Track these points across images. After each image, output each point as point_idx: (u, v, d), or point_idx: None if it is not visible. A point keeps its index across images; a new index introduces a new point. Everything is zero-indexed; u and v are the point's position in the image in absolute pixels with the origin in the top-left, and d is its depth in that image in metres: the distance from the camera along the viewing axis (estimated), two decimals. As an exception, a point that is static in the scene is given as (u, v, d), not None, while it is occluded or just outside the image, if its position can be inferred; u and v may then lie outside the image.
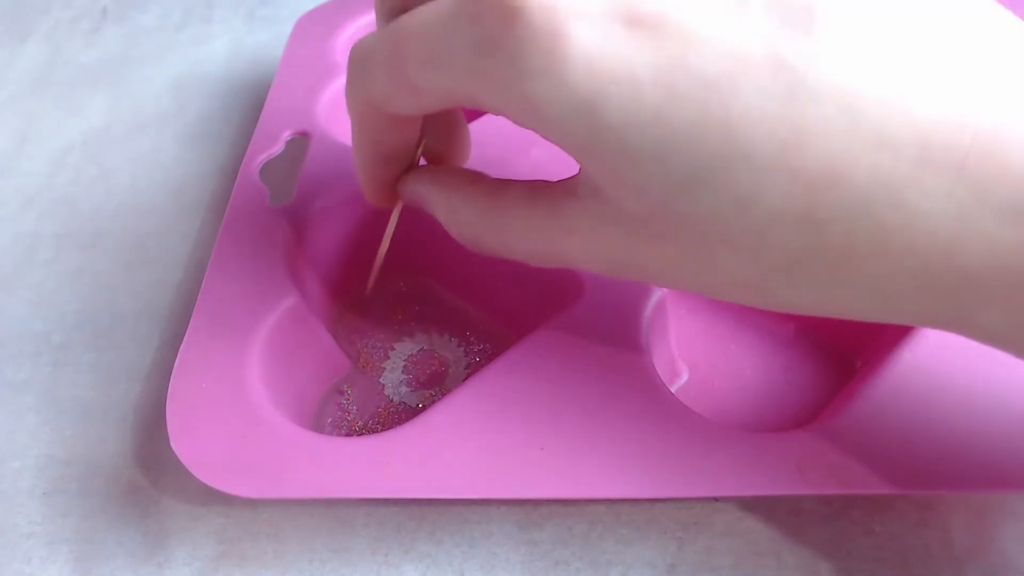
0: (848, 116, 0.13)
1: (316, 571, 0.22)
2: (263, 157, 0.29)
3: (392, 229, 0.24)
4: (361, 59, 0.18)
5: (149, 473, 0.24)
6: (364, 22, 0.35)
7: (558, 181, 0.18)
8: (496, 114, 0.16)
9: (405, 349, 0.27)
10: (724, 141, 0.13)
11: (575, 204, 0.17)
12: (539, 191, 0.18)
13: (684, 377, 0.26)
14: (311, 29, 0.35)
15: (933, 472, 0.19)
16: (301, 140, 0.29)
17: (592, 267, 0.17)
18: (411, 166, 0.22)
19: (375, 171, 0.21)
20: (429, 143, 0.22)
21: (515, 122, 0.15)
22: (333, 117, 0.31)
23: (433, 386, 0.26)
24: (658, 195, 0.14)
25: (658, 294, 0.24)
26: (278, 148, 0.29)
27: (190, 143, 0.36)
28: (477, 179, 0.20)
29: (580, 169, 0.17)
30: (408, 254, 0.29)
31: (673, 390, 0.24)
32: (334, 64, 0.33)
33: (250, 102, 0.38)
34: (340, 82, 0.32)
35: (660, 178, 0.14)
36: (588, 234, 0.16)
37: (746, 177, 0.13)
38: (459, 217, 0.19)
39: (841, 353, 0.26)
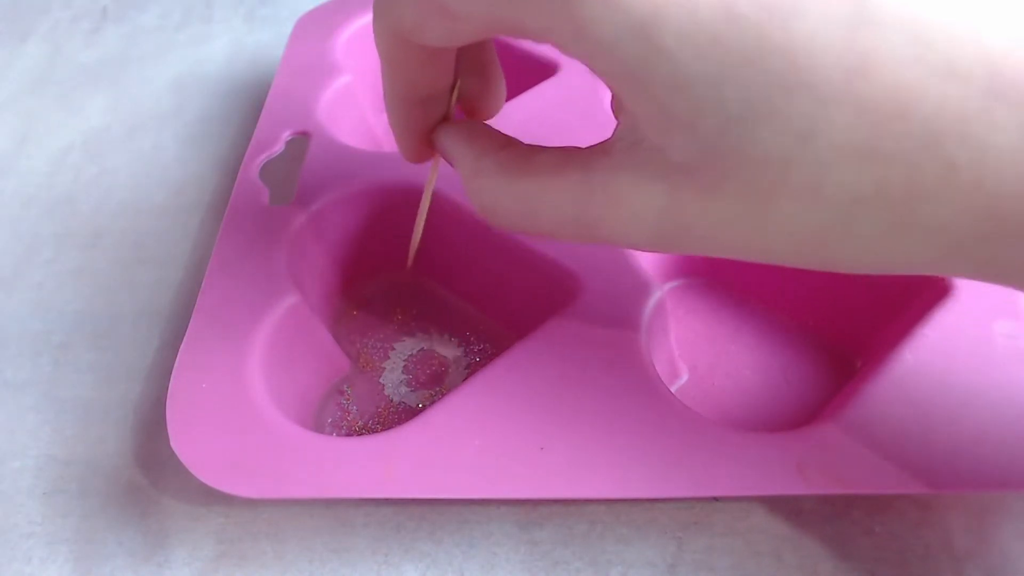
0: (916, 44, 0.12)
1: (316, 571, 0.22)
2: (263, 157, 0.29)
3: (431, 189, 0.22)
4: None
5: (149, 473, 0.24)
6: (364, 22, 0.35)
7: (593, 145, 0.16)
8: (540, 41, 0.15)
9: (405, 349, 0.27)
10: (786, 68, 0.12)
11: (611, 161, 0.15)
12: (573, 154, 0.17)
13: (684, 377, 0.26)
14: (311, 29, 0.35)
15: (933, 472, 0.19)
16: (301, 140, 0.29)
17: (628, 235, 0.16)
18: (446, 116, 0.20)
19: (408, 116, 0.20)
20: (463, 87, 0.20)
21: (560, 48, 0.14)
22: (333, 117, 0.31)
23: (433, 386, 0.26)
24: (711, 130, 0.13)
25: (658, 294, 0.24)
26: (278, 148, 0.29)
27: (190, 143, 0.36)
28: (509, 143, 0.18)
29: (617, 126, 0.16)
30: (409, 253, 0.29)
31: (673, 390, 0.24)
32: (334, 64, 0.33)
33: (250, 102, 0.38)
34: (340, 82, 0.32)
35: (715, 109, 0.13)
36: (625, 194, 0.15)
37: (808, 108, 0.13)
38: (485, 182, 0.18)
39: (841, 353, 0.26)
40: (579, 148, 0.17)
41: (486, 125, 0.20)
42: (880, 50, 0.12)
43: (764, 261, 0.15)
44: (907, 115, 0.12)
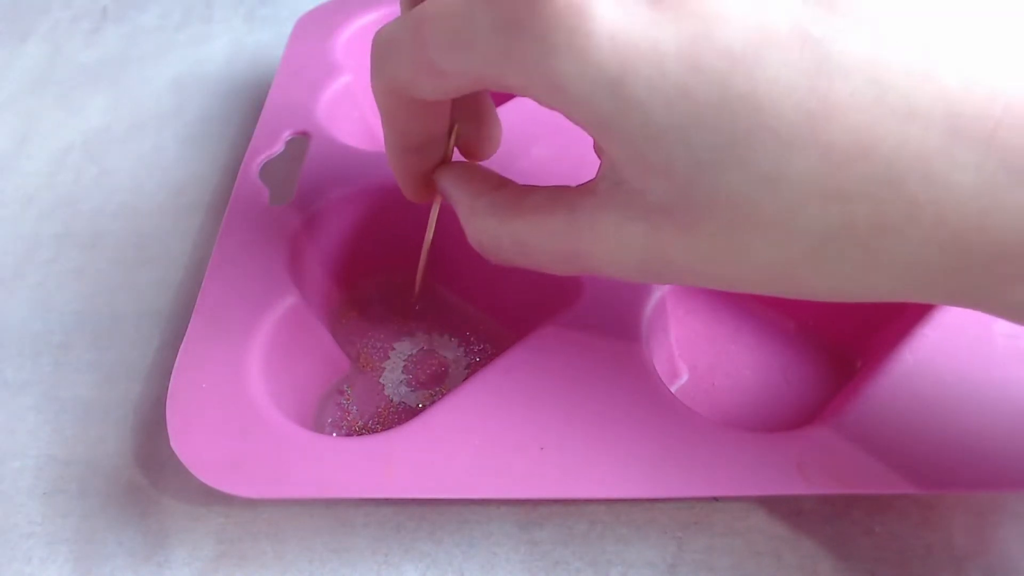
0: (876, 88, 0.13)
1: (316, 571, 0.22)
2: (263, 157, 0.29)
3: (433, 226, 0.23)
4: (384, 44, 0.18)
5: (149, 473, 0.24)
6: (364, 22, 0.35)
7: (580, 185, 0.17)
8: (521, 95, 0.16)
9: (405, 349, 0.27)
10: (751, 115, 0.13)
11: (596, 200, 0.16)
12: (561, 194, 0.18)
13: (684, 377, 0.26)
14: (311, 29, 0.35)
15: (933, 472, 0.19)
16: (301, 140, 0.29)
17: (614, 268, 0.17)
18: (445, 158, 0.21)
19: (406, 161, 0.21)
20: (461, 131, 0.21)
21: (540, 102, 0.15)
22: (333, 117, 0.31)
23: (433, 386, 0.26)
24: (684, 175, 0.14)
25: (658, 294, 0.24)
26: (278, 148, 0.29)
27: (190, 143, 0.36)
28: (503, 184, 0.20)
29: (600, 165, 0.17)
30: (408, 254, 0.29)
31: (673, 390, 0.24)
32: (334, 64, 0.33)
33: (250, 102, 0.38)
34: (340, 82, 0.32)
35: (686, 156, 0.14)
36: (610, 232, 0.16)
37: (774, 152, 0.13)
38: (480, 222, 0.19)
39: (841, 353, 0.26)
40: (567, 188, 0.18)
41: (482, 167, 0.21)
42: (840, 94, 0.13)
43: (744, 291, 0.16)
44: (869, 156, 0.13)
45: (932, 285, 0.14)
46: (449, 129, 0.21)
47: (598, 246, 0.17)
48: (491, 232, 0.19)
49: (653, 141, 0.14)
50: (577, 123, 0.15)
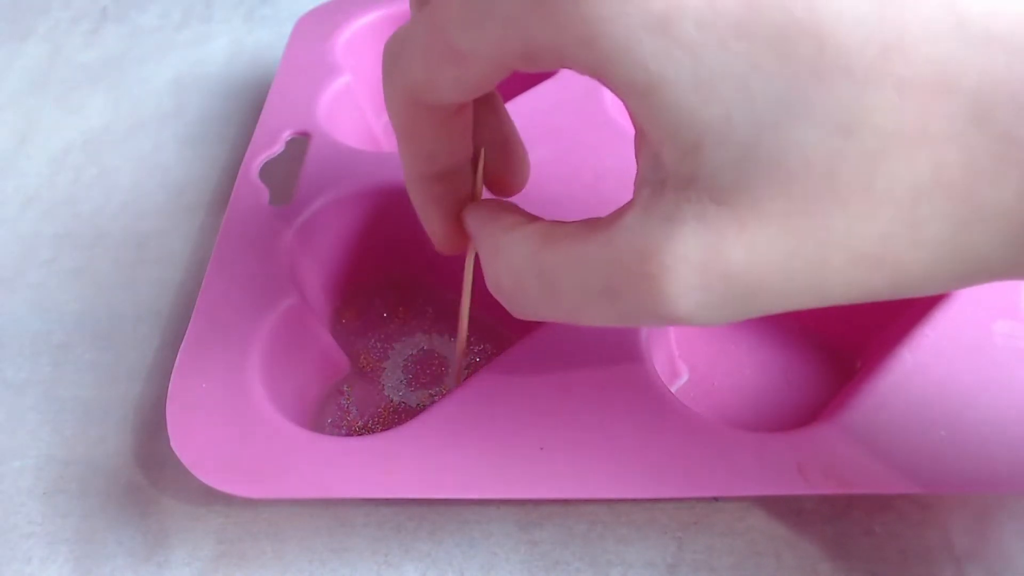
0: (952, 13, 0.11)
1: (316, 571, 0.22)
2: (263, 157, 0.29)
3: (469, 282, 0.20)
4: (396, 47, 0.16)
5: (149, 473, 0.24)
6: (364, 22, 0.35)
7: (615, 210, 0.15)
8: (552, 65, 0.14)
9: (405, 349, 0.27)
10: (815, 53, 0.11)
11: (636, 214, 0.14)
12: (596, 220, 0.15)
13: (684, 377, 0.26)
14: (311, 29, 0.35)
15: (933, 472, 0.19)
16: (301, 140, 0.29)
17: (667, 301, 0.13)
18: (474, 195, 0.19)
19: (430, 193, 0.18)
20: (487, 161, 0.19)
21: (574, 66, 0.13)
22: (333, 117, 0.31)
23: (433, 386, 0.26)
24: (744, 136, 0.12)
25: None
26: (278, 148, 0.29)
27: (190, 143, 0.36)
28: (532, 220, 0.17)
29: (638, 170, 0.15)
30: (408, 254, 0.29)
31: (673, 390, 0.24)
32: (334, 64, 0.33)
33: (250, 102, 0.38)
34: (340, 82, 0.32)
35: (746, 109, 0.12)
36: (656, 250, 0.13)
37: (846, 94, 0.12)
38: (504, 260, 0.16)
39: (841, 353, 0.26)
40: (602, 217, 0.15)
41: (510, 203, 0.18)
42: (914, 22, 0.11)
43: (827, 303, 0.14)
44: (952, 91, 0.11)
45: None
46: (475, 158, 0.19)
47: (643, 269, 0.13)
48: (516, 272, 0.16)
49: (706, 92, 0.12)
50: (615, 86, 0.13)
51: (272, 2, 0.45)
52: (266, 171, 0.28)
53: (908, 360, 0.21)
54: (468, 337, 0.22)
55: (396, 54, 0.16)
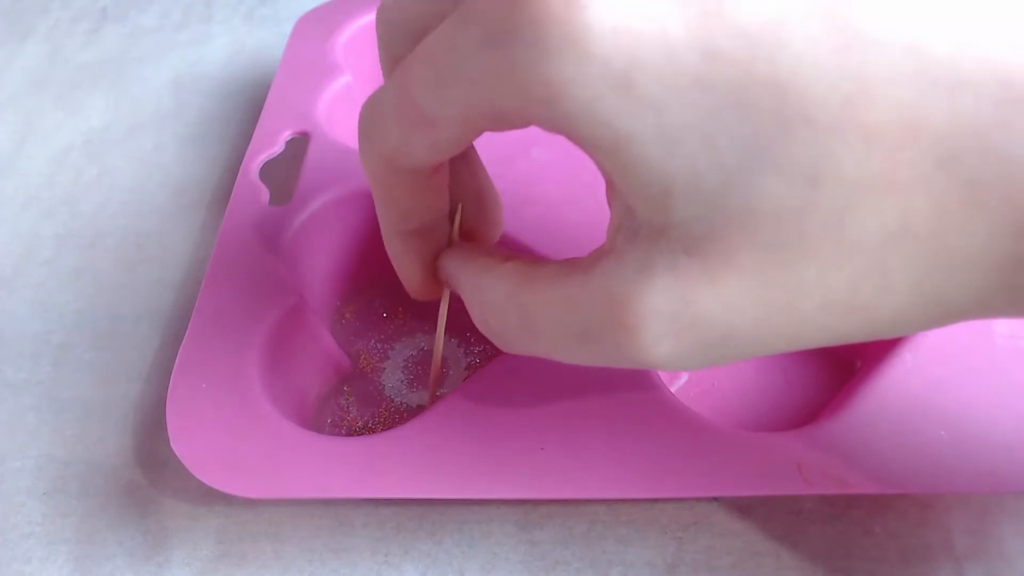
0: (915, 58, 0.11)
1: (316, 571, 0.22)
2: (263, 157, 0.29)
3: (443, 324, 0.21)
4: (370, 114, 0.16)
5: (149, 473, 0.24)
6: (364, 22, 0.35)
7: (591, 252, 0.15)
8: (519, 124, 0.14)
9: (405, 349, 0.27)
10: (777, 104, 0.11)
11: (610, 260, 0.14)
12: (574, 262, 0.15)
13: (684, 377, 0.26)
14: (311, 29, 0.35)
15: (933, 472, 0.19)
16: (301, 140, 0.29)
17: (642, 348, 0.14)
18: (450, 243, 0.20)
19: (408, 247, 0.19)
20: (464, 216, 0.20)
21: (541, 126, 0.13)
22: (333, 117, 0.31)
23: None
24: (710, 190, 0.12)
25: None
26: (278, 148, 0.29)
27: (190, 143, 0.36)
28: (509, 258, 0.17)
29: (611, 216, 0.15)
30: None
31: (673, 390, 0.24)
32: (334, 64, 0.33)
33: (250, 102, 0.38)
34: (340, 82, 0.32)
35: (711, 163, 0.12)
36: (630, 297, 0.13)
37: (811, 145, 0.11)
38: (485, 299, 0.17)
39: (841, 353, 0.26)
40: (581, 258, 0.15)
41: (488, 245, 0.19)
42: (877, 69, 0.11)
43: (801, 348, 0.14)
44: (918, 136, 0.11)
45: (1005, 285, 0.12)
46: (451, 212, 0.19)
47: (617, 317, 0.14)
48: (497, 311, 0.16)
49: (672, 150, 0.12)
50: (582, 143, 0.13)
51: (272, 2, 0.45)
52: (266, 171, 0.28)
53: (908, 360, 0.21)
54: (443, 371, 0.23)
55: (370, 120, 0.16)
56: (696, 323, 0.13)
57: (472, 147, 0.19)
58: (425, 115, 0.15)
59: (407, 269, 0.19)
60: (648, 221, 0.13)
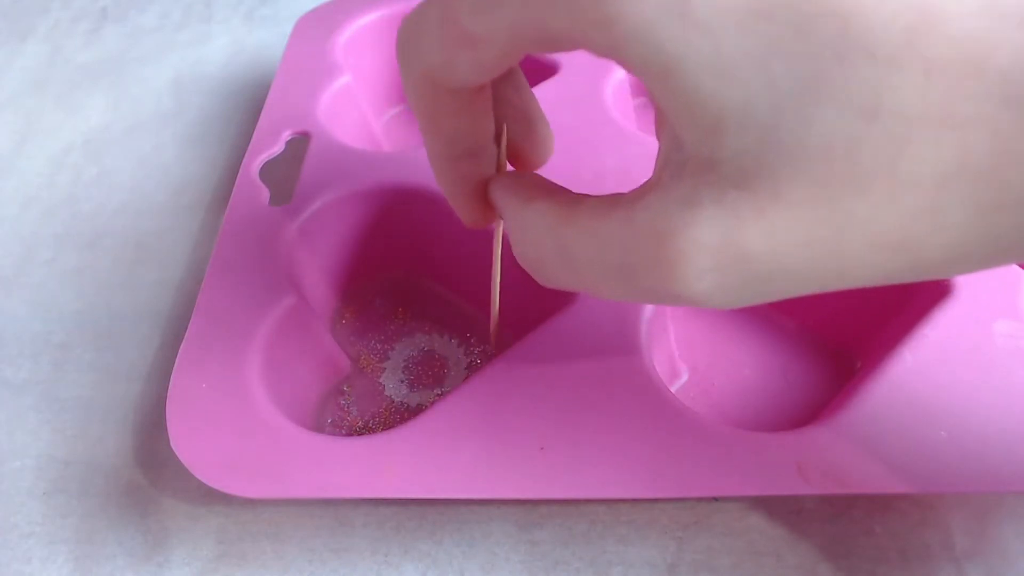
0: None
1: (316, 571, 0.22)
2: (263, 157, 0.29)
3: (499, 256, 0.21)
4: (410, 31, 0.16)
5: (149, 473, 0.24)
6: (364, 22, 0.35)
7: (639, 186, 0.15)
8: (568, 47, 0.14)
9: (405, 349, 0.27)
10: (838, 33, 0.11)
11: (656, 193, 0.14)
12: (618, 197, 0.15)
13: (684, 377, 0.26)
14: (311, 29, 0.35)
15: (933, 472, 0.19)
16: (301, 140, 0.29)
17: (682, 283, 0.13)
18: (498, 168, 0.19)
19: (455, 173, 0.18)
20: (510, 136, 0.19)
21: (590, 49, 0.13)
22: (333, 117, 0.31)
23: (433, 386, 0.26)
24: (764, 120, 0.12)
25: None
26: (278, 148, 0.29)
27: (190, 143, 0.36)
28: (555, 191, 0.17)
29: (659, 150, 0.15)
30: (408, 254, 0.29)
31: (673, 390, 0.24)
32: (334, 64, 0.33)
33: (250, 102, 0.38)
34: (340, 82, 0.32)
35: (766, 93, 0.12)
36: (674, 231, 0.13)
37: (870, 77, 0.11)
38: (526, 232, 0.16)
39: (841, 353, 0.26)
40: (623, 193, 0.15)
41: (534, 175, 0.18)
42: (942, 0, 0.11)
43: (846, 286, 0.13)
44: (982, 71, 0.11)
45: None
46: (497, 134, 0.19)
47: (659, 252, 0.13)
48: (537, 242, 0.16)
49: (725, 76, 0.12)
50: (634, 69, 0.13)
51: (272, 2, 0.45)
52: (266, 171, 0.28)
53: (908, 360, 0.21)
54: (499, 309, 0.22)
55: (410, 39, 0.16)
56: (741, 258, 0.13)
57: (517, 67, 0.18)
58: (469, 34, 0.14)
59: (456, 195, 0.19)
60: (697, 153, 0.13)
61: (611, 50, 0.13)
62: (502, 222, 0.20)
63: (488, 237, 0.26)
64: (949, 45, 0.11)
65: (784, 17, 0.11)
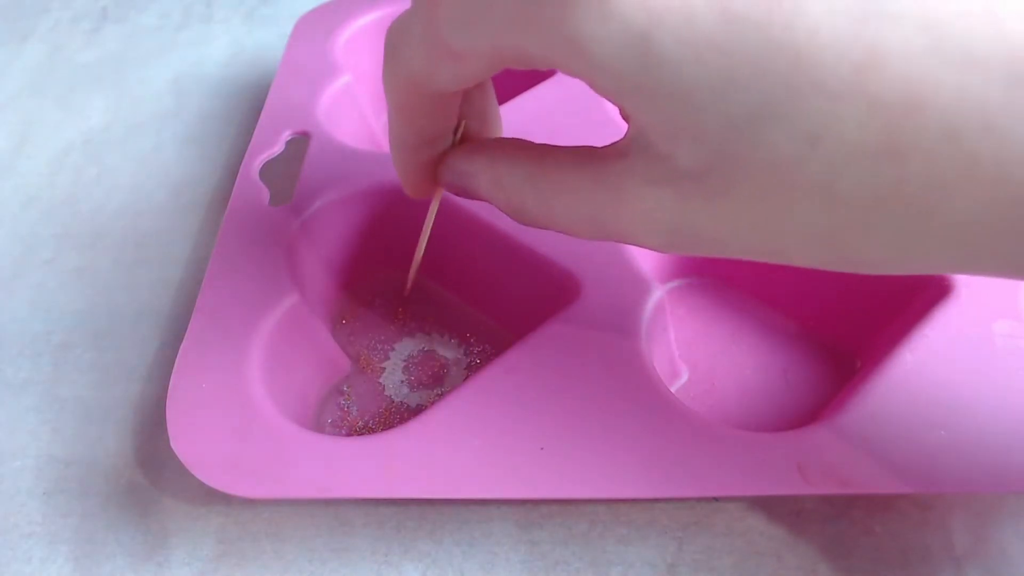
0: (928, 34, 0.12)
1: (316, 571, 0.22)
2: (263, 157, 0.29)
3: (431, 220, 0.23)
4: (397, 37, 0.17)
5: (149, 473, 0.24)
6: (364, 22, 0.35)
7: (607, 145, 0.16)
8: (542, 66, 0.15)
9: (405, 349, 0.27)
10: (790, 67, 0.12)
11: (623, 164, 0.15)
12: (586, 154, 0.17)
13: (684, 377, 0.26)
14: (311, 29, 0.35)
15: (933, 472, 0.19)
16: (301, 140, 0.29)
17: (640, 237, 0.16)
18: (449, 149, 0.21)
19: (416, 157, 0.20)
20: (465, 131, 0.21)
21: (562, 69, 0.14)
22: (333, 117, 0.31)
23: (433, 386, 0.26)
24: (717, 138, 0.13)
25: (658, 294, 0.24)
26: (278, 148, 0.29)
27: (190, 143, 0.36)
28: (522, 145, 0.19)
29: (629, 127, 0.16)
30: (408, 254, 0.29)
31: (673, 390, 0.24)
32: (334, 64, 0.33)
33: (250, 102, 0.38)
34: (340, 82, 0.32)
35: (720, 117, 0.13)
36: (636, 198, 0.15)
37: (817, 108, 0.12)
38: (504, 184, 0.18)
39: (841, 353, 0.26)
40: (593, 148, 0.17)
41: (486, 138, 0.20)
42: (890, 42, 0.12)
43: (779, 262, 0.15)
44: (923, 108, 0.12)
45: (988, 253, 0.13)
46: (456, 126, 0.20)
47: (623, 210, 0.16)
48: (517, 193, 0.18)
49: (684, 103, 0.13)
50: (601, 91, 0.14)
51: (272, 2, 0.45)
52: (266, 171, 0.28)
53: (908, 360, 0.21)
54: (420, 265, 0.26)
55: (396, 47, 0.17)
56: (691, 231, 0.15)
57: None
58: (451, 49, 0.15)
59: (409, 175, 0.21)
60: (658, 147, 0.14)
61: (581, 74, 0.14)
62: (439, 192, 0.22)
63: (488, 237, 0.26)
64: (893, 83, 0.12)
65: (739, 51, 0.12)
